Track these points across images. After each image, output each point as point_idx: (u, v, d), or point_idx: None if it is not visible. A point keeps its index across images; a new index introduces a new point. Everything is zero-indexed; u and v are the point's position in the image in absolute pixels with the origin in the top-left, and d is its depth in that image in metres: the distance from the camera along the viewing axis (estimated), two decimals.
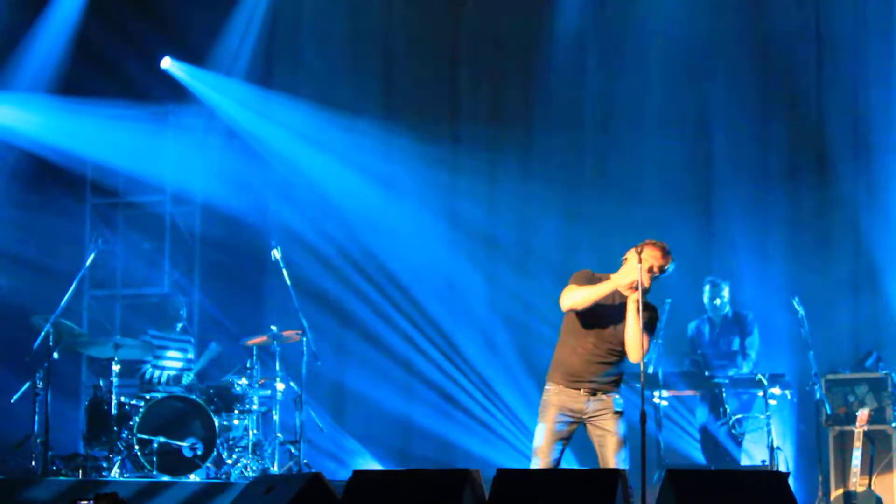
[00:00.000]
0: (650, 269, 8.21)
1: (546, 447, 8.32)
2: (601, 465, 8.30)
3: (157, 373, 12.41)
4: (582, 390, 8.35)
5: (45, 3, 14.47)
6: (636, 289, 8.16)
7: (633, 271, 8.19)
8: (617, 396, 8.43)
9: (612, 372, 8.41)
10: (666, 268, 8.28)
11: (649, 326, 8.36)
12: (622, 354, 8.37)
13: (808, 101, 13.26)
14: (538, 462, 8.32)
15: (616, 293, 8.30)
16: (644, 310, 8.21)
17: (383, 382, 13.93)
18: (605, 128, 13.81)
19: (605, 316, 8.34)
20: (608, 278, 8.34)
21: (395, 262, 13.98)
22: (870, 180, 12.87)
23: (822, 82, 13.20)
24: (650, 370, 11.25)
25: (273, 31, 14.63)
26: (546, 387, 8.47)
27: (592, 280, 8.39)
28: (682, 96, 13.56)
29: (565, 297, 8.30)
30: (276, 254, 12.05)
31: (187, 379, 12.35)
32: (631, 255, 8.25)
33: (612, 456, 8.28)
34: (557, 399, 8.38)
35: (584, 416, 8.37)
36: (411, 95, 14.35)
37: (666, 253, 8.28)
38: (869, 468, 10.88)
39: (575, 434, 8.47)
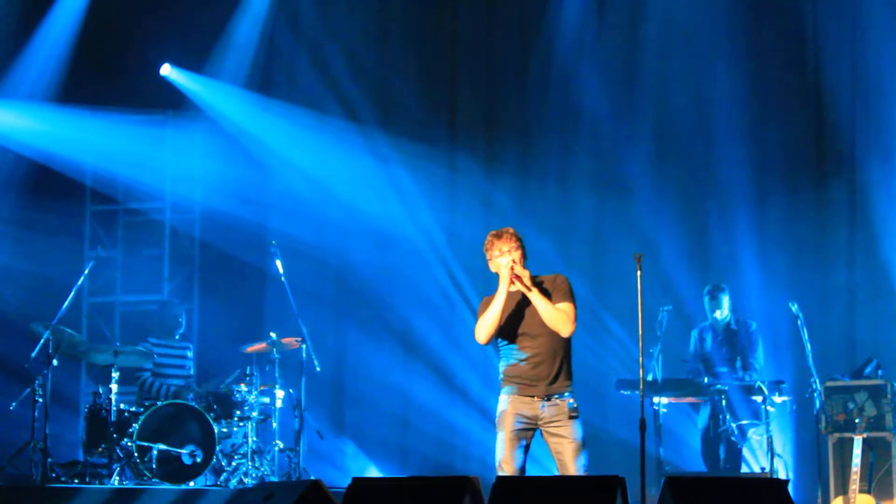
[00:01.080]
0: (508, 253, 8.34)
1: (508, 456, 8.30)
2: (561, 472, 8.27)
3: (157, 383, 12.40)
4: (535, 396, 8.36)
5: (43, 11, 14.48)
6: (516, 276, 8.29)
7: (499, 268, 8.35)
8: (570, 400, 8.40)
9: (559, 371, 8.39)
10: (515, 245, 8.39)
11: (567, 292, 8.42)
12: (564, 347, 8.41)
13: (806, 103, 13.28)
14: (504, 474, 8.25)
15: (514, 293, 8.37)
16: (550, 282, 8.42)
17: (383, 388, 13.92)
18: (601, 132, 13.79)
19: (520, 315, 8.40)
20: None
21: (394, 267, 13.97)
22: (868, 186, 12.86)
23: (819, 85, 13.22)
24: (650, 377, 11.24)
25: (272, 38, 14.63)
26: (499, 398, 8.47)
27: (487, 303, 8.49)
28: (679, 101, 13.56)
29: (477, 330, 8.42)
30: (275, 254, 12.03)
31: (187, 387, 12.34)
32: (488, 253, 8.45)
33: (571, 462, 8.26)
34: (512, 407, 8.38)
35: (540, 423, 8.35)
36: (409, 101, 14.35)
37: (499, 236, 8.43)
38: (868, 475, 10.88)
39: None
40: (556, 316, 8.31)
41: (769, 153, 13.29)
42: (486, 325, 8.36)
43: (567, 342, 8.42)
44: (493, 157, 14.06)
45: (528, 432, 8.38)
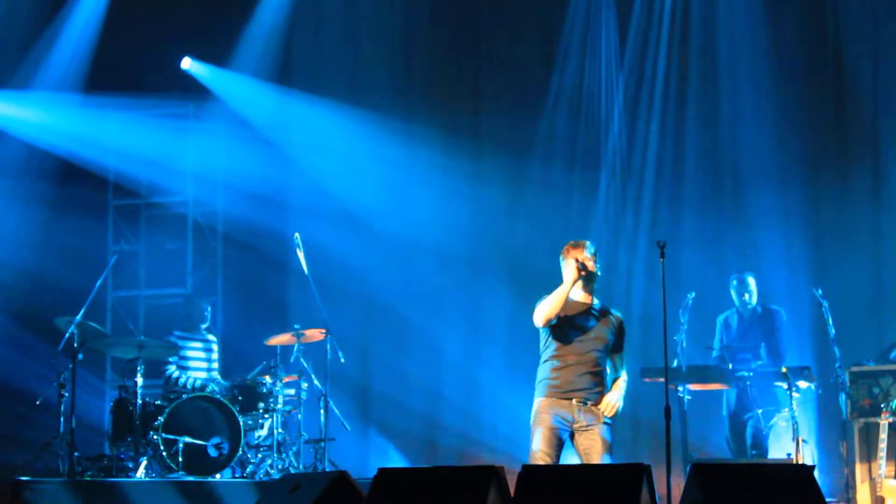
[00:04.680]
0: (579, 262, 8.87)
1: (545, 448, 8.66)
2: None
3: (182, 376, 12.42)
4: (574, 400, 8.75)
5: (65, 4, 14.51)
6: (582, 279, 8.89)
7: (571, 270, 8.89)
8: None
9: (600, 383, 8.83)
10: (589, 254, 8.94)
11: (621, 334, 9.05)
12: (605, 362, 8.89)
13: (826, 85, 13.26)
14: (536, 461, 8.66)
15: (579, 303, 8.91)
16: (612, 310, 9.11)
17: (408, 378, 13.92)
18: (626, 120, 13.79)
19: (577, 325, 8.86)
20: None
21: (419, 257, 13.96)
22: (891, 168, 12.83)
23: (840, 68, 13.18)
24: (674, 364, 11.22)
25: (293, 28, 14.63)
26: (536, 400, 8.85)
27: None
28: (701, 88, 13.53)
29: (537, 312, 8.85)
30: (297, 246, 12.04)
31: (213, 387, 12.35)
32: (564, 260, 8.98)
33: (598, 460, 8.61)
34: (549, 408, 8.76)
35: (575, 426, 8.74)
36: (432, 89, 14.35)
37: (576, 245, 8.98)
38: (894, 459, 10.85)
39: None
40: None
41: (791, 137, 13.26)
42: (545, 310, 8.79)
43: (605, 362, 8.91)
44: (518, 153, 14.04)
45: (564, 433, 8.74)
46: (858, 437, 11.29)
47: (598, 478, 7.28)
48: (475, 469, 7.49)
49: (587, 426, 8.70)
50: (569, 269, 8.86)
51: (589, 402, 8.73)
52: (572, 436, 8.76)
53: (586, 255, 8.89)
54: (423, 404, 13.87)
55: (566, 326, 8.83)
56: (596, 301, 9.02)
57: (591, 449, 8.66)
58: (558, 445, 8.72)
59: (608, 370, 8.95)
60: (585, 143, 13.95)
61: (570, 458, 9.09)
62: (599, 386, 8.81)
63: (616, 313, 9.07)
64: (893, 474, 10.76)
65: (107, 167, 14.87)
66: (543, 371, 8.88)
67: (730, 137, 13.48)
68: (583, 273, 8.81)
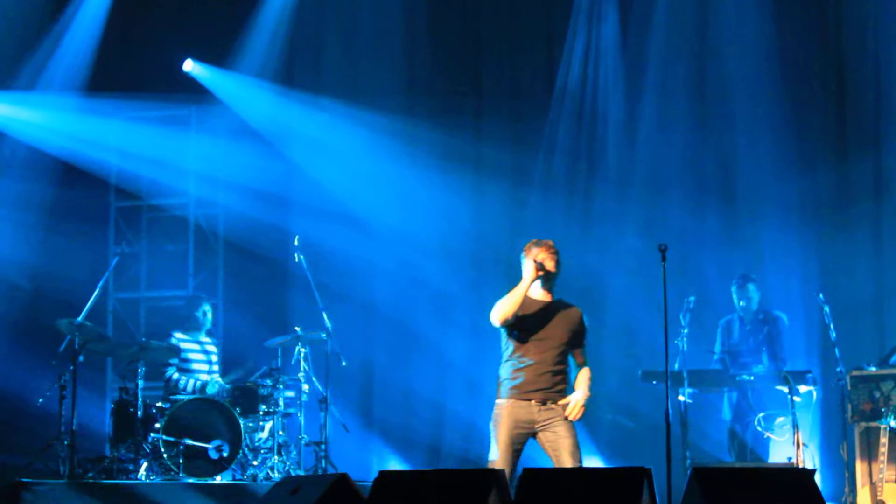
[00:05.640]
0: (537, 262, 8.80)
1: (502, 459, 8.60)
2: (557, 466, 8.56)
3: (182, 378, 12.42)
4: (533, 401, 8.69)
5: (66, 6, 14.53)
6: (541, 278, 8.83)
7: (529, 269, 8.81)
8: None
9: (559, 381, 8.78)
10: (549, 253, 8.86)
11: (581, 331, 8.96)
12: (566, 360, 8.84)
13: (826, 96, 13.25)
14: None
15: (538, 301, 8.87)
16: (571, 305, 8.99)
17: (410, 381, 13.93)
18: (628, 122, 13.79)
19: (536, 324, 8.81)
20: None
21: (421, 259, 13.96)
22: (893, 170, 12.83)
23: (841, 81, 13.18)
24: (675, 367, 11.21)
25: (295, 29, 14.63)
26: (496, 402, 8.80)
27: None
28: (705, 90, 13.54)
29: (494, 311, 8.79)
30: (298, 249, 12.03)
31: (213, 381, 12.36)
32: (524, 258, 8.89)
33: (567, 455, 8.57)
34: (509, 413, 8.70)
35: (536, 426, 8.69)
36: (434, 90, 14.35)
37: (538, 244, 8.91)
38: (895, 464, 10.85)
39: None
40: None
41: (792, 140, 13.25)
42: (502, 309, 8.73)
43: (567, 359, 8.85)
44: (520, 153, 14.04)
45: (526, 437, 8.72)
46: (859, 441, 11.29)
47: (599, 481, 7.28)
48: (476, 472, 7.52)
49: (548, 421, 8.63)
50: (527, 268, 8.80)
51: (549, 402, 8.67)
52: (535, 435, 8.71)
53: (545, 254, 8.83)
54: (426, 407, 13.87)
55: (525, 325, 8.78)
56: (555, 298, 8.96)
57: (556, 442, 8.60)
58: (515, 454, 8.67)
59: (570, 366, 8.89)
60: (587, 145, 13.94)
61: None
62: (561, 384, 8.77)
63: (576, 308, 8.99)
64: (894, 478, 10.76)
65: (108, 169, 14.88)
66: (504, 371, 8.82)
67: (730, 140, 13.47)
68: (541, 273, 8.77)
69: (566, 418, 8.62)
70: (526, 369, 8.72)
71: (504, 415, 8.68)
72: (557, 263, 8.87)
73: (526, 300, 8.78)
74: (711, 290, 12.52)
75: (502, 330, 8.86)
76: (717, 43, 13.48)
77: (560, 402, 8.68)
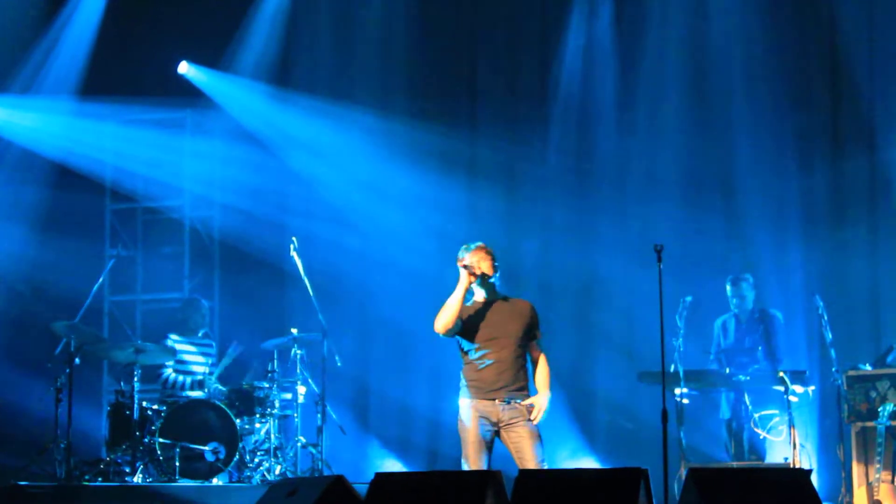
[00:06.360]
0: (467, 264, 8.89)
1: (475, 459, 8.73)
2: (520, 466, 8.64)
3: (178, 377, 12.43)
4: (496, 400, 8.80)
5: (61, 9, 14.52)
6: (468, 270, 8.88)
7: (461, 276, 8.88)
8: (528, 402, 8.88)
9: (520, 377, 8.88)
10: (478, 257, 8.94)
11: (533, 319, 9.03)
12: (524, 356, 8.93)
13: (821, 94, 13.25)
14: (467, 468, 8.77)
15: (482, 304, 8.97)
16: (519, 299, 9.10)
17: (407, 383, 13.91)
18: (623, 121, 13.79)
19: (485, 325, 8.90)
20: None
21: (417, 261, 13.94)
22: (888, 168, 12.83)
23: (835, 71, 13.19)
24: (672, 368, 11.21)
25: (289, 31, 14.62)
26: (460, 402, 8.92)
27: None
28: (698, 89, 13.54)
29: (435, 323, 8.91)
30: (294, 251, 12.02)
31: (210, 383, 12.37)
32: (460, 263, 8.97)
33: (530, 452, 8.71)
34: (475, 411, 8.82)
35: (501, 425, 8.80)
36: (430, 93, 14.34)
37: (465, 250, 9.03)
38: (892, 464, 10.85)
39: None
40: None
41: (786, 138, 13.25)
42: (443, 319, 8.87)
43: (525, 352, 8.94)
44: (516, 153, 14.03)
45: (492, 436, 8.82)
46: (855, 441, 11.28)
47: (595, 482, 7.28)
48: (472, 474, 7.52)
49: (513, 421, 8.74)
50: (461, 275, 8.85)
51: (512, 401, 8.77)
52: (499, 433, 8.81)
53: (476, 257, 8.90)
54: (423, 409, 13.84)
55: (477, 328, 8.87)
56: (500, 296, 9.01)
57: (520, 442, 8.72)
58: (487, 452, 8.77)
59: (528, 360, 8.98)
60: (583, 145, 13.93)
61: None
62: (522, 381, 8.86)
63: (524, 301, 9.07)
64: (890, 479, 10.77)
65: (104, 172, 14.87)
66: (465, 374, 8.92)
67: (726, 139, 13.47)
68: (473, 278, 8.83)
69: (528, 419, 8.75)
70: (486, 370, 8.82)
71: (471, 415, 8.80)
72: (493, 264, 8.95)
73: (469, 305, 8.92)
74: (708, 290, 12.51)
75: (456, 336, 8.93)
76: (712, 42, 13.47)
77: (524, 403, 8.79)
